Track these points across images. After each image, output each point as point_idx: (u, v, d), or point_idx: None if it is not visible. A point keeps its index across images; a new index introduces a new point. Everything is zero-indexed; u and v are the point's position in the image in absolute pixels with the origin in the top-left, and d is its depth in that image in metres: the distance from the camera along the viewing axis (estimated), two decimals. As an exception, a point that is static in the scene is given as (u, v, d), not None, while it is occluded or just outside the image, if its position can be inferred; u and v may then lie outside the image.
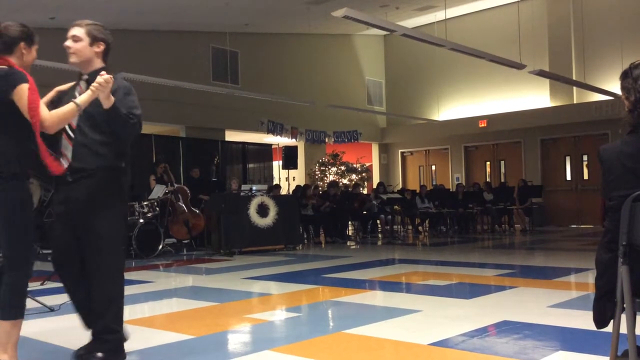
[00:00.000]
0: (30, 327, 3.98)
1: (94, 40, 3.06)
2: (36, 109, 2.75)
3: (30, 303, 3.45)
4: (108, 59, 3.16)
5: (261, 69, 15.07)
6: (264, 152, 15.36)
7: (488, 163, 17.04)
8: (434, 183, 17.11)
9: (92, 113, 3.00)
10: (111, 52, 3.18)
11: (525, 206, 13.97)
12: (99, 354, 2.97)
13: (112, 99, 2.91)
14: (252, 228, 9.64)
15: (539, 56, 15.11)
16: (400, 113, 17.81)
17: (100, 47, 3.09)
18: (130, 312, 4.77)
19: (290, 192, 12.65)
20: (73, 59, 3.07)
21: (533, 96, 15.85)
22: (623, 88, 2.41)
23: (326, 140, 15.68)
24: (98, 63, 3.10)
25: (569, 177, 15.61)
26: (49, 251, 6.83)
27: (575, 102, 15.24)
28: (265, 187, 11.23)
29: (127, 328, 3.21)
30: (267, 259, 8.74)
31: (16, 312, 2.79)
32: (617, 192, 2.32)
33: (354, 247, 10.96)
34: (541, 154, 15.90)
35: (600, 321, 2.41)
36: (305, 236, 11.86)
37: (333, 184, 13.59)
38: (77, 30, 3.05)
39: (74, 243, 3.08)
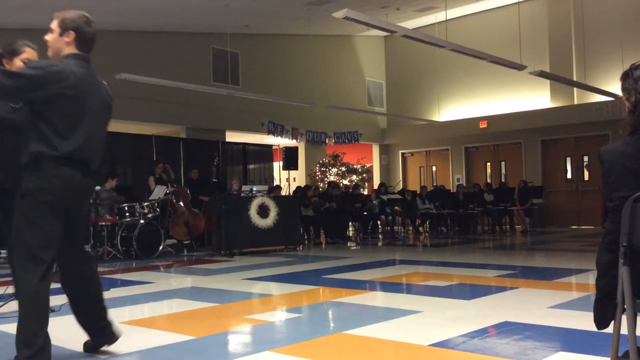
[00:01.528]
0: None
1: (63, 30, 3.01)
2: None
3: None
4: (86, 46, 3.06)
5: (262, 70, 15.08)
6: (265, 153, 15.37)
7: (488, 164, 17.04)
8: (435, 184, 17.12)
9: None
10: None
11: (526, 207, 13.97)
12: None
13: None
14: (253, 229, 9.65)
15: (540, 57, 15.12)
16: (401, 114, 17.81)
17: (70, 37, 3.01)
18: (130, 312, 4.77)
19: (291, 193, 12.65)
20: (48, 52, 3.08)
21: (533, 97, 15.85)
22: (623, 89, 2.40)
23: (327, 141, 15.69)
24: (68, 51, 3.03)
25: (569, 178, 15.61)
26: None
27: (575, 103, 15.24)
28: (265, 187, 11.23)
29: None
30: (267, 259, 8.74)
31: None
32: (618, 193, 2.32)
33: (354, 248, 10.96)
34: (542, 155, 15.90)
35: (601, 322, 2.41)
36: (305, 237, 11.87)
37: (333, 184, 13.59)
38: (52, 23, 3.06)
39: None
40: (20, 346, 2.78)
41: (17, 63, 3.10)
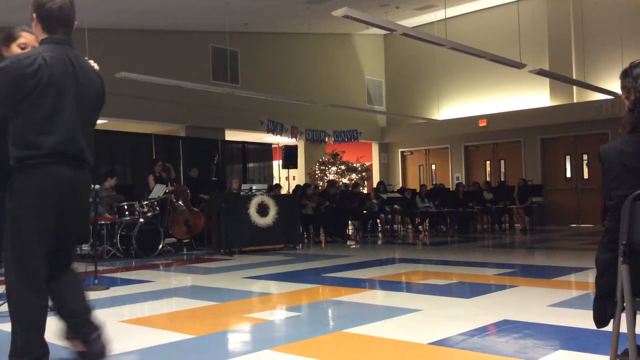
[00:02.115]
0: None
1: (32, 18, 2.78)
2: None
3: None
4: (56, 26, 2.75)
5: (261, 68, 15.07)
6: (264, 152, 15.35)
7: (488, 162, 17.04)
8: (434, 182, 17.12)
9: None
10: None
11: (525, 205, 13.97)
12: None
13: None
14: (252, 227, 9.65)
15: (539, 55, 15.12)
16: (400, 112, 17.81)
17: (34, 20, 2.77)
18: (130, 311, 4.78)
19: (291, 191, 12.65)
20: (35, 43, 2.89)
21: (533, 95, 15.85)
22: (623, 87, 2.40)
23: (326, 139, 15.68)
24: (41, 37, 2.77)
25: (569, 177, 15.62)
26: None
27: (575, 101, 15.24)
28: (265, 186, 11.22)
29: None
30: (267, 258, 8.74)
31: None
32: (617, 191, 2.32)
33: (354, 246, 10.96)
34: (541, 153, 15.91)
35: (601, 320, 2.41)
36: (305, 235, 11.86)
37: (332, 183, 13.60)
38: None
39: None
40: (12, 354, 2.65)
41: (14, 49, 2.98)
